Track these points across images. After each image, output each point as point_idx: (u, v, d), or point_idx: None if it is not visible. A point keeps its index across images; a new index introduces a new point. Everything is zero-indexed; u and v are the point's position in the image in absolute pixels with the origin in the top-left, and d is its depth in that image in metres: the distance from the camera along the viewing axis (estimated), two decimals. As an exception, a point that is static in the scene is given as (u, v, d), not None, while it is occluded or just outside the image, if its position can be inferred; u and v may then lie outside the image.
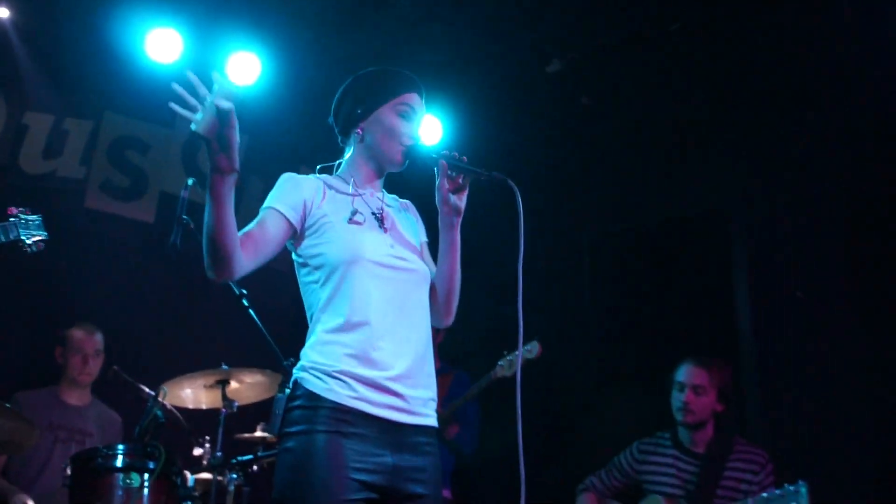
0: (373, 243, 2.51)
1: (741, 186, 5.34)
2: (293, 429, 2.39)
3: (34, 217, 3.26)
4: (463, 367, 5.29)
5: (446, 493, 4.98)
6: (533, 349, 4.74)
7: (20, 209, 3.17)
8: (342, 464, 2.32)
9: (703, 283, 5.42)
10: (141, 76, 5.29)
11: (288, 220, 2.48)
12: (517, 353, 4.65)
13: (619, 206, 5.91)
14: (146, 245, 5.43)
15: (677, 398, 4.11)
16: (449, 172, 2.50)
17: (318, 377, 2.41)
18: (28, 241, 3.21)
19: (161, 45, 5.21)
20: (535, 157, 5.86)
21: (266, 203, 2.53)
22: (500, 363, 4.82)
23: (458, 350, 5.26)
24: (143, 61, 5.22)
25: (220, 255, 2.32)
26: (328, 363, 2.41)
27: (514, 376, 4.65)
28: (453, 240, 2.58)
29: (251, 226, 2.46)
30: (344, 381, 2.38)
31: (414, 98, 2.65)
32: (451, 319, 2.67)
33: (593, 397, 5.08)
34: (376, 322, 2.43)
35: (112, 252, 5.30)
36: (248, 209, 5.70)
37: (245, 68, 5.44)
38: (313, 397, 2.39)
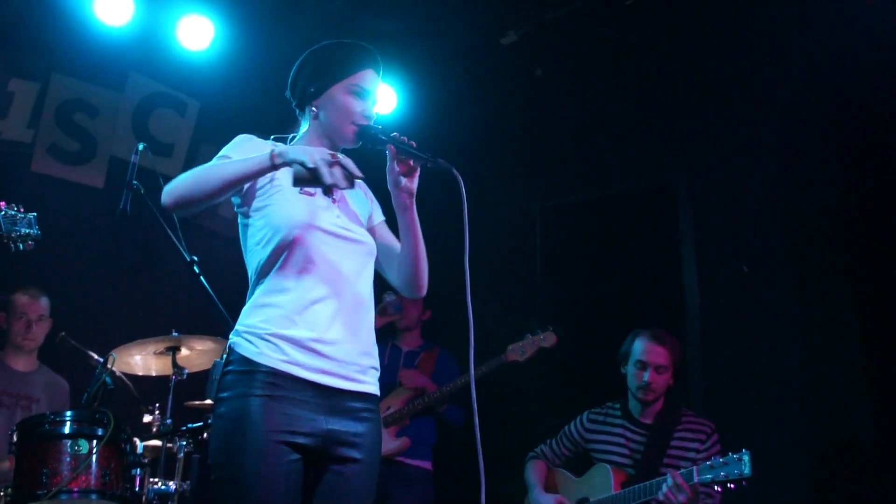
0: (319, 210, 2.50)
1: (687, 161, 5.36)
2: (226, 394, 2.39)
3: (27, 215, 3.16)
4: (441, 344, 5.27)
5: (427, 465, 5.00)
6: (548, 338, 4.74)
7: (11, 204, 3.06)
8: (273, 428, 2.31)
9: (652, 257, 5.44)
10: (90, 38, 5.17)
11: None
12: (531, 337, 4.73)
13: (570, 179, 5.90)
14: (96, 210, 5.35)
15: (638, 376, 4.10)
16: (398, 156, 2.50)
17: (249, 341, 2.40)
18: (13, 236, 3.12)
19: (111, 7, 5.06)
20: (488, 129, 5.84)
21: (220, 153, 2.51)
22: (511, 347, 4.77)
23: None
24: (93, 22, 5.08)
25: (197, 204, 2.34)
26: (261, 326, 2.40)
27: (525, 361, 4.73)
28: (411, 220, 2.58)
29: (201, 168, 2.41)
30: (275, 345, 2.37)
31: (368, 76, 2.63)
32: (424, 291, 2.67)
33: (543, 369, 5.07)
34: (314, 286, 2.43)
35: (60, 217, 5.10)
36: None
37: (197, 32, 5.34)
38: (245, 362, 2.38)
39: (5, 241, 3.06)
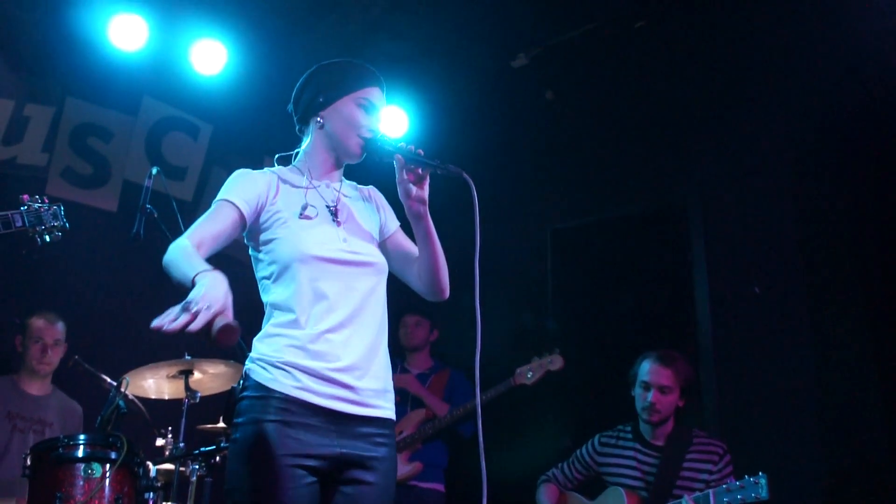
0: (323, 238, 2.50)
1: (699, 181, 5.37)
2: (240, 419, 2.41)
3: (52, 206, 3.13)
4: (453, 365, 5.28)
5: (440, 488, 5.01)
6: (555, 361, 4.73)
7: (35, 196, 3.01)
8: (287, 452, 2.33)
9: (663, 278, 5.43)
10: (104, 62, 5.22)
11: (240, 210, 2.48)
12: (538, 359, 4.72)
13: (581, 201, 5.90)
14: (109, 234, 5.33)
15: (643, 397, 4.09)
16: (407, 166, 2.49)
17: (263, 367, 2.42)
18: (39, 230, 3.06)
19: (125, 32, 5.13)
20: (499, 152, 5.85)
21: (220, 195, 2.53)
22: (518, 370, 4.76)
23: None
24: (107, 47, 5.14)
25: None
26: (273, 354, 2.42)
27: (533, 384, 4.72)
28: (427, 229, 2.56)
29: (202, 225, 2.44)
30: (288, 372, 2.39)
31: (375, 92, 2.64)
32: (446, 294, 2.65)
33: (554, 391, 5.06)
34: (324, 317, 2.43)
35: (74, 240, 4.96)
36: (210, 199, 5.69)
37: (210, 57, 5.41)
38: (259, 388, 2.40)
39: (31, 234, 3.03)
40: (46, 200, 3.14)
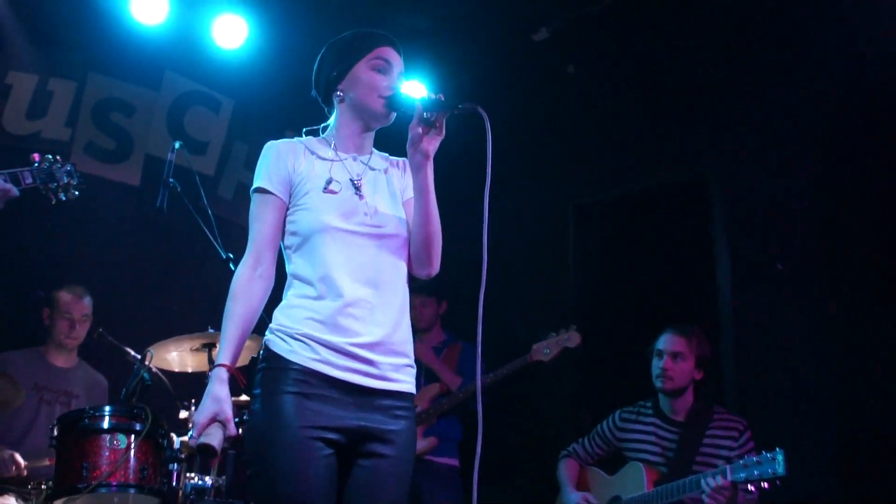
0: (346, 211, 2.50)
1: (720, 154, 5.31)
2: (258, 390, 2.42)
3: (64, 164, 3.11)
4: (468, 336, 5.15)
5: (454, 462, 5.00)
6: (573, 338, 4.70)
7: (47, 156, 3.02)
8: (305, 424, 2.34)
9: (685, 253, 5.39)
10: (126, 37, 5.25)
11: (280, 199, 2.54)
12: (555, 336, 4.69)
13: (603, 176, 5.86)
14: (132, 207, 5.41)
15: (656, 365, 4.13)
16: (424, 115, 2.45)
17: (282, 339, 2.43)
18: (52, 187, 3.06)
19: (146, 6, 5.15)
20: (520, 127, 5.81)
21: (256, 181, 2.56)
22: (535, 346, 4.73)
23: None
24: (129, 22, 5.17)
25: None
26: (292, 326, 2.42)
27: (550, 361, 4.68)
28: (424, 184, 2.52)
29: (255, 236, 2.52)
30: (306, 344, 2.39)
31: (388, 51, 2.62)
32: (434, 269, 2.60)
33: (575, 367, 5.08)
34: (344, 291, 2.43)
35: (98, 214, 5.21)
36: (232, 173, 5.98)
37: (231, 31, 5.42)
38: (277, 359, 2.41)
39: (44, 193, 3.01)
40: (59, 159, 3.10)
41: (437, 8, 5.51)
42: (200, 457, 2.34)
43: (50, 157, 3.08)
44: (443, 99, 2.44)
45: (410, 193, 2.62)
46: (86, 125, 5.40)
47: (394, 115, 2.60)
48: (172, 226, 4.59)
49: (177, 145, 4.05)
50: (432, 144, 2.47)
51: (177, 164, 4.10)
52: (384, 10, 5.39)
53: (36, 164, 3.02)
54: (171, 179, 4.00)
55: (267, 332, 2.50)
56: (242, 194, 5.57)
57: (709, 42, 5.21)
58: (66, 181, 3.10)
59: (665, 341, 4.13)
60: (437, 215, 2.55)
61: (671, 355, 4.08)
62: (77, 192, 3.17)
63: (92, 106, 5.42)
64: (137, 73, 5.53)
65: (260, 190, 2.54)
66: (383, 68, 2.59)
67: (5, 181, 2.84)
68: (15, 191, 2.86)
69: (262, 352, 2.49)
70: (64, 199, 3.13)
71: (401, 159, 2.71)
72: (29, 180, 2.96)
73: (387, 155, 2.74)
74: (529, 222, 5.83)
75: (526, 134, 5.83)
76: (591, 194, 5.97)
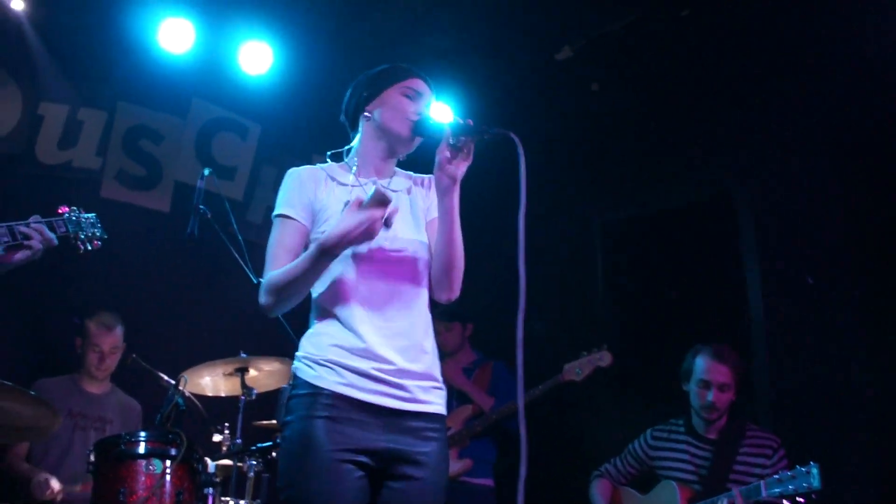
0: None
1: (746, 169, 5.31)
2: (290, 417, 2.47)
3: (88, 215, 3.23)
4: (498, 355, 5.24)
5: (489, 483, 5.02)
6: (604, 357, 4.71)
7: (73, 208, 3.15)
8: (336, 447, 2.37)
9: (714, 269, 5.40)
10: (154, 66, 5.37)
11: (303, 224, 2.58)
12: (586, 355, 4.71)
13: (629, 192, 5.90)
14: (163, 233, 5.48)
15: (702, 395, 4.10)
16: (452, 141, 2.45)
17: (309, 366, 2.47)
18: (82, 237, 3.17)
19: (173, 35, 5.28)
20: (545, 145, 5.80)
21: (278, 208, 2.61)
22: (567, 366, 4.76)
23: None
24: (156, 51, 5.30)
25: (288, 303, 2.48)
26: (319, 353, 2.46)
27: (582, 382, 4.67)
28: (449, 208, 2.51)
29: (277, 258, 2.53)
30: (333, 370, 2.43)
31: (420, 83, 2.68)
32: (454, 294, 2.59)
33: (605, 385, 5.09)
34: (368, 317, 2.47)
35: (129, 241, 5.12)
36: (260, 197, 6.08)
37: (257, 57, 5.56)
38: (305, 386, 2.46)
39: (73, 241, 3.12)
40: (83, 211, 3.23)
41: (460, 29, 5.55)
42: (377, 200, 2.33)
43: (76, 208, 3.20)
44: (472, 124, 2.45)
45: (435, 213, 2.63)
46: (116, 153, 5.49)
47: (418, 140, 2.64)
48: (203, 251, 4.64)
49: (206, 172, 4.15)
50: (460, 169, 2.47)
51: (206, 189, 4.21)
52: (408, 31, 5.51)
53: (66, 215, 3.15)
54: (201, 206, 4.10)
55: (295, 360, 2.55)
56: (271, 218, 5.69)
57: (733, 57, 5.22)
58: (90, 232, 3.21)
59: (708, 370, 4.10)
60: (461, 240, 2.55)
61: (718, 387, 4.07)
62: (100, 243, 3.27)
63: (122, 134, 5.51)
64: (165, 101, 5.62)
65: (282, 216, 2.58)
66: (413, 96, 2.64)
67: (49, 229, 2.97)
68: (55, 240, 2.98)
69: (291, 380, 2.55)
70: (90, 248, 3.23)
71: (426, 177, 2.72)
72: (63, 229, 3.08)
73: (410, 173, 2.77)
74: (557, 240, 5.86)
75: (551, 152, 5.84)
76: (619, 211, 5.99)
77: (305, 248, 2.54)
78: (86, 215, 3.24)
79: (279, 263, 2.50)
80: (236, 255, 4.07)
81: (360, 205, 2.34)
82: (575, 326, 5.73)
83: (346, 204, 2.47)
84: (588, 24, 5.44)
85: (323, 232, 2.50)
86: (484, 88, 5.81)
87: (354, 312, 2.47)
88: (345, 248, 2.38)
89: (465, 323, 5.31)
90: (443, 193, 2.50)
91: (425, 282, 2.60)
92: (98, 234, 3.25)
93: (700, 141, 5.51)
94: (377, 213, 2.33)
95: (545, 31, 5.51)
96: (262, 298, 2.50)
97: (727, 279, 5.32)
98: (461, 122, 2.45)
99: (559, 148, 5.93)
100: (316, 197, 2.58)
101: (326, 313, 2.51)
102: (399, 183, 2.71)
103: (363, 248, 2.49)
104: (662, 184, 5.73)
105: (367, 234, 2.34)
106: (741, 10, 5.04)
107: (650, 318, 5.63)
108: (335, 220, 2.46)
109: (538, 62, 5.72)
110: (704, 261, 5.46)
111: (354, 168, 2.66)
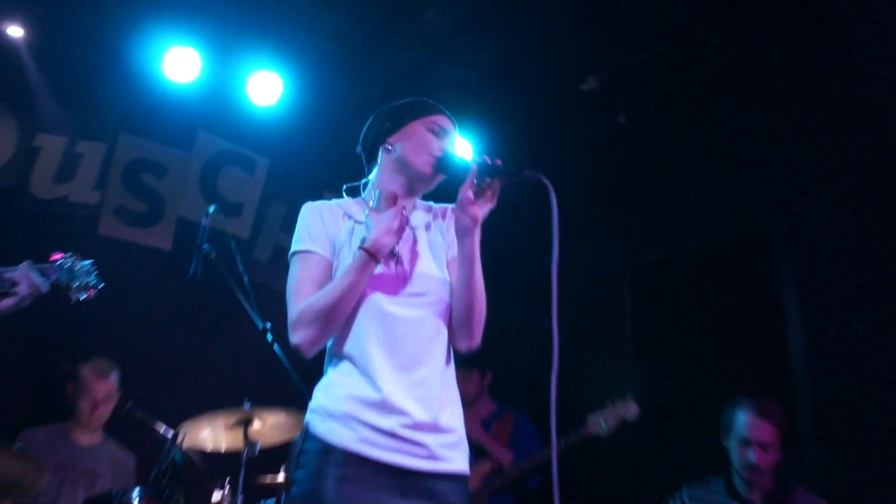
0: (382, 281, 2.44)
1: (787, 207, 5.15)
2: (298, 474, 2.36)
3: (84, 262, 3.17)
4: (518, 405, 5.12)
5: None
6: (630, 408, 4.59)
7: (68, 254, 3.08)
8: None
9: (752, 316, 5.21)
10: (157, 96, 5.30)
11: (328, 258, 2.50)
12: (611, 406, 4.59)
13: (661, 233, 5.75)
14: (163, 274, 5.39)
15: (743, 454, 3.87)
16: (477, 181, 2.40)
17: (322, 419, 2.38)
18: (75, 285, 3.11)
19: (179, 65, 5.21)
20: (570, 181, 5.66)
21: (297, 244, 2.52)
22: (591, 418, 4.62)
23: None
24: (160, 81, 5.22)
25: (331, 330, 2.39)
26: (333, 405, 2.37)
27: (608, 436, 4.48)
28: (469, 251, 2.44)
29: (302, 292, 2.44)
30: (348, 424, 2.34)
31: (446, 121, 2.64)
32: (475, 342, 2.52)
33: (634, 435, 4.91)
34: (386, 367, 2.37)
35: (127, 281, 5.14)
36: (268, 235, 6.07)
37: (266, 88, 5.47)
38: (318, 440, 2.35)
39: (65, 290, 3.08)
40: (79, 258, 3.17)
41: (480, 60, 5.46)
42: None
43: (71, 254, 3.15)
44: (500, 164, 2.38)
45: (455, 251, 2.56)
46: (116, 188, 5.40)
47: (440, 178, 2.57)
48: (206, 293, 4.46)
49: (211, 209, 4.00)
50: (483, 210, 2.41)
51: (212, 227, 4.04)
52: (425, 62, 5.41)
53: (60, 261, 3.08)
54: (205, 245, 3.92)
55: (307, 413, 2.44)
56: (279, 258, 5.86)
57: (769, 88, 5.09)
58: (85, 281, 3.15)
59: (750, 427, 3.87)
60: (482, 285, 2.48)
61: (761, 446, 3.84)
62: (93, 293, 3.22)
63: (122, 168, 5.42)
64: (169, 133, 5.54)
65: (304, 252, 2.49)
66: (438, 132, 2.59)
67: (39, 276, 2.92)
68: (45, 287, 2.93)
69: (302, 433, 2.43)
70: (83, 298, 3.17)
71: (448, 207, 2.67)
72: (55, 277, 3.02)
73: (430, 204, 2.70)
74: (582, 284, 5.67)
75: (576, 189, 5.66)
76: (648, 252, 5.84)
77: None
78: (81, 263, 3.18)
79: (307, 297, 2.42)
80: (241, 298, 3.89)
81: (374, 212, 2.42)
82: (600, 375, 5.53)
83: (363, 241, 2.44)
84: (614, 54, 5.32)
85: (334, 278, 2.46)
86: (504, 122, 5.76)
87: (372, 359, 2.38)
88: (391, 245, 2.40)
89: (484, 371, 5.13)
90: (463, 235, 2.45)
91: (448, 325, 2.51)
92: (93, 282, 3.18)
93: (735, 175, 5.35)
94: (398, 207, 2.42)
95: (569, 62, 5.41)
96: (300, 334, 2.38)
97: (766, 325, 5.14)
98: (488, 161, 2.39)
99: (584, 184, 5.77)
100: (336, 233, 2.53)
101: (342, 361, 2.43)
102: (418, 217, 2.64)
103: (380, 292, 2.42)
104: (695, 223, 5.57)
105: (402, 227, 2.41)
106: (777, 39, 4.93)
107: (682, 368, 5.43)
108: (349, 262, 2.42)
109: (562, 94, 5.63)
110: (741, 305, 5.28)
111: (372, 203, 2.55)
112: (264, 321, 3.79)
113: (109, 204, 5.38)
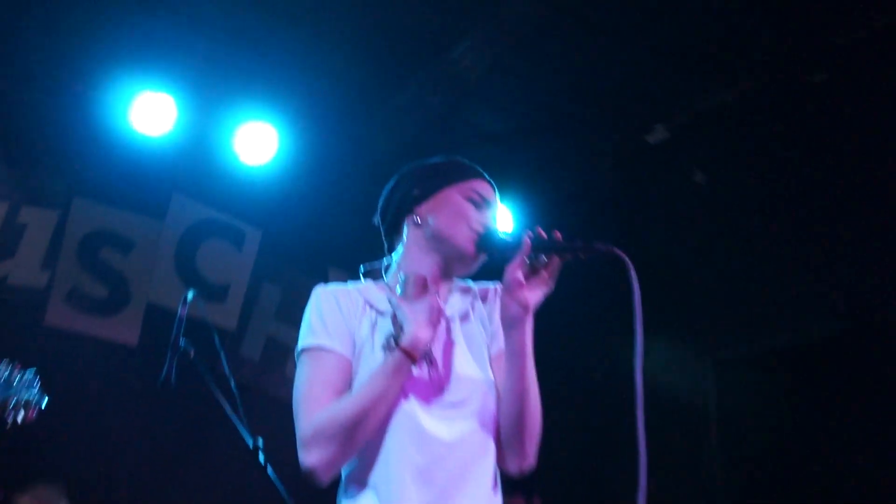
0: (412, 388, 2.31)
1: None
2: None
3: (24, 373, 2.99)
4: None
5: None
6: None
7: (3, 360, 2.90)
8: None
9: (864, 421, 5.04)
10: (123, 152, 5.22)
11: (347, 357, 2.36)
12: None
13: (750, 322, 5.64)
14: (129, 375, 5.26)
15: None
16: (529, 257, 2.25)
17: None
18: (13, 404, 2.94)
19: (150, 113, 5.13)
20: (638, 256, 5.45)
21: (308, 339, 2.37)
22: None
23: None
24: (127, 133, 5.13)
25: (354, 449, 2.26)
26: None
27: None
28: (520, 345, 2.28)
29: (316, 399, 2.31)
30: None
31: (486, 188, 2.49)
32: (528, 462, 2.35)
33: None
34: (414, 491, 2.23)
35: (81, 386, 5.08)
36: (259, 325, 5.88)
37: (258, 143, 5.40)
38: None
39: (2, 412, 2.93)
40: (20, 367, 2.99)
41: (518, 105, 5.46)
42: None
43: (7, 361, 2.98)
44: (559, 238, 2.23)
45: (501, 344, 2.39)
46: (69, 267, 5.31)
47: (482, 258, 2.43)
48: (182, 402, 4.36)
49: (189, 296, 3.77)
50: (536, 295, 2.25)
51: (189, 317, 3.78)
52: (451, 109, 5.37)
53: None
54: (182, 340, 3.68)
55: None
56: (273, 353, 5.68)
57: (887, 131, 4.92)
58: (25, 398, 2.99)
59: None
60: (537, 390, 2.32)
61: None
62: (35, 414, 3.04)
63: (77, 242, 5.34)
64: (137, 198, 5.46)
65: (317, 348, 2.34)
66: (479, 202, 2.45)
67: None
68: None
69: None
70: (21, 420, 3.00)
71: (490, 287, 2.54)
72: None
73: (469, 284, 2.55)
74: (661, 381, 5.55)
75: (646, 266, 5.43)
76: (737, 347, 5.77)
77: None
78: (20, 374, 3.03)
79: (324, 405, 2.29)
80: (227, 408, 3.61)
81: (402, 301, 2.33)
82: (682, 485, 5.44)
83: (392, 337, 2.33)
84: (685, 97, 5.35)
85: (358, 380, 2.32)
86: (552, 183, 5.75)
87: (402, 490, 2.22)
88: (428, 342, 2.28)
89: (531, 497, 4.97)
90: (511, 325, 2.29)
91: (494, 440, 2.34)
92: (35, 398, 3.02)
93: (837, 256, 5.21)
94: (431, 293, 2.33)
95: (630, 107, 5.44)
96: (316, 453, 2.23)
97: (878, 432, 4.96)
98: (543, 235, 2.24)
99: (655, 260, 5.65)
100: (357, 327, 2.37)
101: (360, 492, 2.28)
102: (454, 303, 2.48)
103: (408, 403, 2.29)
104: (793, 309, 5.45)
105: (438, 319, 2.31)
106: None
107: (780, 482, 5.33)
108: (372, 366, 2.30)
109: (621, 147, 5.66)
110: (850, 409, 5.13)
111: (399, 289, 2.41)
112: (255, 437, 3.52)
113: (60, 287, 5.29)
